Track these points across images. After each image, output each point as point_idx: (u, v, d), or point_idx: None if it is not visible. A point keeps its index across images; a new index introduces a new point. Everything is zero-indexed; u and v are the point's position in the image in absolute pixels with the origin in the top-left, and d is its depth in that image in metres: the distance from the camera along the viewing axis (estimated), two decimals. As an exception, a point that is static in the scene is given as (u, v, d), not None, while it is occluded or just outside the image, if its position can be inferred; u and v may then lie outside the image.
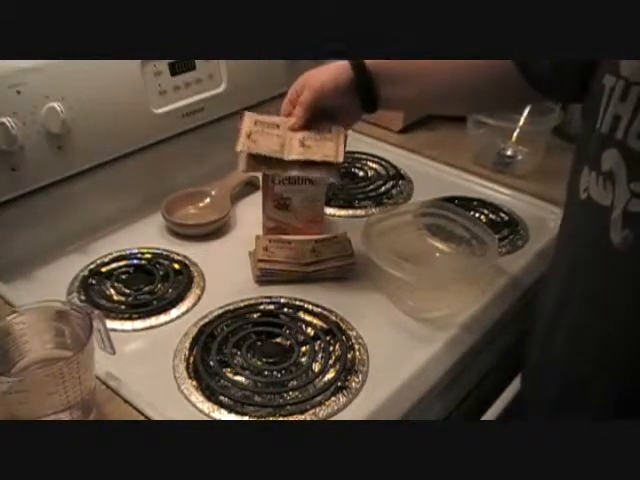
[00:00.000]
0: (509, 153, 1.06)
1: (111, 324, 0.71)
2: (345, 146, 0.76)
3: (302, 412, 0.63)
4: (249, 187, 0.99)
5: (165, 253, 0.85)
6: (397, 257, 0.74)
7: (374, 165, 1.08)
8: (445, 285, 0.77)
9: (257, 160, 0.75)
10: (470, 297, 0.77)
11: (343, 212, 0.96)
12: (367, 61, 0.71)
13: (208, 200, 0.94)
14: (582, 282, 0.57)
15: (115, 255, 0.84)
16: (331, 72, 0.72)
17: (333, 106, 0.75)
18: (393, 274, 0.73)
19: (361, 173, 1.06)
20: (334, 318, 0.74)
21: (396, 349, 0.72)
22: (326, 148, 0.75)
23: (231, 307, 0.75)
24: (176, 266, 0.82)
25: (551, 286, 0.63)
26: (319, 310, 0.75)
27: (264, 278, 0.79)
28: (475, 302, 0.77)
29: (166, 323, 0.74)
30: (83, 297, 0.76)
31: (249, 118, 0.79)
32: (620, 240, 0.51)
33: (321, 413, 0.63)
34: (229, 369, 0.67)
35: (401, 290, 0.77)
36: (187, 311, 0.76)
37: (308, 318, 0.74)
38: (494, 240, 0.79)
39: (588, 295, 0.57)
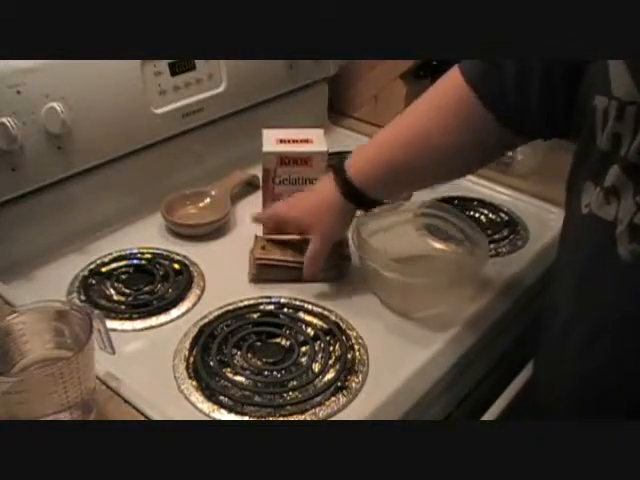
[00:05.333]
0: (509, 153, 1.05)
1: (111, 324, 0.71)
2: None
3: (302, 412, 0.63)
4: (249, 187, 0.99)
5: (165, 253, 0.85)
6: (388, 256, 0.74)
7: (374, 165, 1.08)
8: (433, 285, 0.77)
9: (268, 267, 0.79)
10: (459, 297, 0.77)
11: (343, 212, 0.96)
12: (352, 177, 0.71)
13: (208, 200, 0.94)
14: (591, 296, 0.57)
15: (115, 255, 0.84)
16: (330, 213, 0.74)
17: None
18: (381, 272, 0.74)
19: (361, 173, 1.06)
20: (334, 318, 0.74)
21: (396, 349, 0.72)
22: (334, 246, 0.79)
23: (231, 307, 0.75)
24: (176, 266, 0.82)
25: (558, 299, 0.63)
26: (319, 310, 0.75)
27: (261, 277, 0.79)
28: (474, 302, 0.77)
29: (166, 323, 0.74)
30: (83, 297, 0.76)
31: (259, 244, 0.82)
32: (628, 254, 0.51)
33: (321, 413, 0.63)
34: (229, 369, 0.67)
35: (390, 288, 0.77)
36: (187, 311, 0.76)
37: (308, 318, 0.74)
38: (485, 242, 0.79)
39: (598, 308, 0.57)
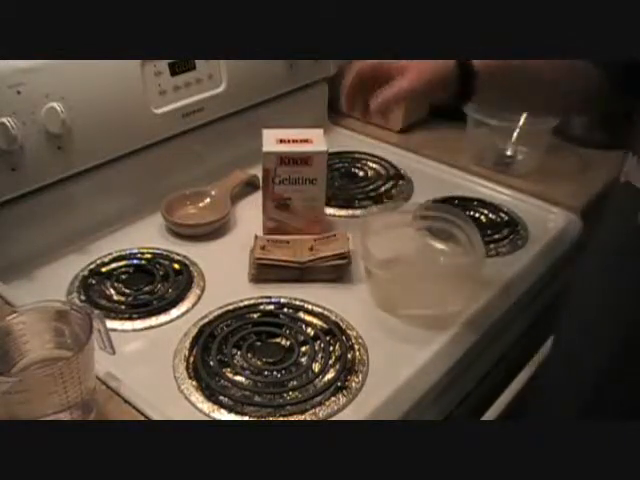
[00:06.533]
0: (509, 153, 1.05)
1: (111, 324, 0.71)
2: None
3: (302, 412, 0.63)
4: (249, 187, 0.99)
5: (165, 253, 0.85)
6: (386, 256, 0.74)
7: (374, 165, 1.08)
8: (432, 285, 0.77)
9: (267, 267, 0.79)
10: (459, 297, 0.77)
11: (343, 212, 0.96)
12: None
13: (208, 200, 0.94)
14: (615, 268, 0.57)
15: (115, 255, 0.84)
16: (434, 63, 0.64)
17: (429, 96, 0.71)
18: (380, 272, 0.74)
19: (361, 173, 1.06)
20: (334, 318, 0.74)
21: (396, 349, 0.72)
22: (334, 245, 0.82)
23: (231, 307, 0.75)
24: (176, 266, 0.82)
25: (588, 274, 0.63)
26: (319, 310, 0.75)
27: (261, 277, 0.79)
28: (474, 302, 0.77)
29: (166, 323, 0.74)
30: (83, 297, 0.76)
31: (260, 243, 0.83)
32: None
33: (321, 413, 0.63)
34: (229, 369, 0.67)
35: (390, 288, 0.78)
36: (187, 311, 0.76)
37: (308, 318, 0.74)
38: (480, 243, 0.79)
39: (620, 281, 0.57)
